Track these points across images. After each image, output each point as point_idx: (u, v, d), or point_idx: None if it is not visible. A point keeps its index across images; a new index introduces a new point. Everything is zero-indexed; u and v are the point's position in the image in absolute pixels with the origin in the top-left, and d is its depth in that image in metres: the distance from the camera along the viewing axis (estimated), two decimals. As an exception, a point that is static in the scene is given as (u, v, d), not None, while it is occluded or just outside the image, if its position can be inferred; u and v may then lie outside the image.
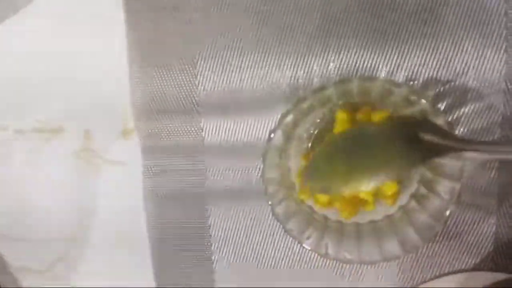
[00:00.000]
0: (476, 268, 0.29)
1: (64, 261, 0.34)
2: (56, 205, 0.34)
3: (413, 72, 0.27)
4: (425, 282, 0.29)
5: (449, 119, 0.27)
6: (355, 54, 0.28)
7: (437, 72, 0.27)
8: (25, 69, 0.32)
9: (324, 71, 0.28)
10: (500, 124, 0.27)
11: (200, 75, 0.30)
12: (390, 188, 0.26)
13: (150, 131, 0.31)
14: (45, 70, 0.32)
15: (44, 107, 0.32)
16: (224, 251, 0.32)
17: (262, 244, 0.31)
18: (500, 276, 0.27)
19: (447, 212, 0.25)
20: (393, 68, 0.28)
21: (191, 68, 0.30)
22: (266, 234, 0.31)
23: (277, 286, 0.31)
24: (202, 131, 0.31)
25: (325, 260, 0.30)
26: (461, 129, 0.28)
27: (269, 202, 0.27)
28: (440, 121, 0.24)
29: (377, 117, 0.26)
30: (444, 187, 0.25)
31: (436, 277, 0.29)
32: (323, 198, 0.27)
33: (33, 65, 0.32)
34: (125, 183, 0.32)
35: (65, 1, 0.31)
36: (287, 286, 0.31)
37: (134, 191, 0.32)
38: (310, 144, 0.28)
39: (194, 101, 0.30)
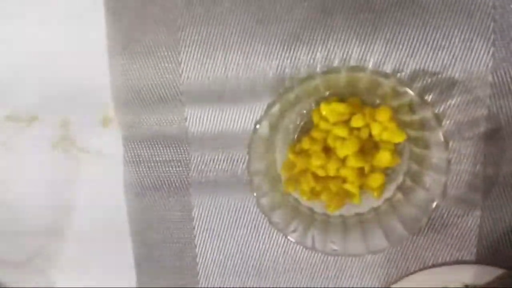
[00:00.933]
0: (460, 261, 0.29)
1: (43, 254, 0.33)
2: (34, 197, 0.33)
3: (400, 63, 0.27)
4: (409, 274, 0.29)
5: (436, 111, 0.27)
6: (342, 44, 0.27)
7: (425, 63, 0.27)
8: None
9: (311, 61, 0.28)
10: (486, 117, 0.27)
11: (184, 63, 0.29)
12: (376, 180, 0.26)
13: (131, 120, 0.30)
14: (20, 56, 0.31)
15: (19, 95, 0.31)
16: (208, 243, 0.31)
17: (246, 236, 0.31)
18: (484, 268, 0.27)
19: (433, 205, 0.25)
20: (381, 59, 0.27)
21: (174, 56, 0.29)
22: (251, 227, 0.31)
23: (262, 279, 0.31)
24: (186, 121, 0.30)
25: (310, 252, 0.30)
26: (447, 122, 0.27)
27: (254, 194, 0.26)
28: (427, 113, 0.24)
29: (381, 116, 0.25)
30: (430, 179, 0.25)
31: (421, 269, 0.29)
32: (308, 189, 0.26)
33: (8, 51, 0.31)
34: (105, 173, 0.31)
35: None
36: (271, 278, 0.31)
37: (114, 182, 0.31)
38: (296, 136, 0.27)
39: (177, 89, 0.30)
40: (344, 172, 0.26)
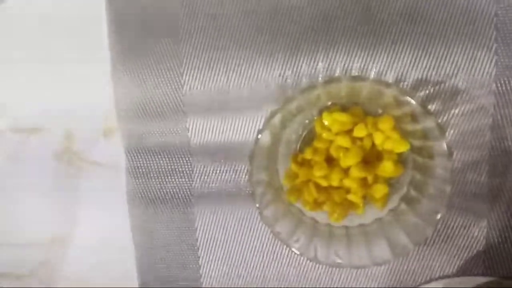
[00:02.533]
0: (467, 272, 0.28)
1: (46, 265, 0.33)
2: (37, 208, 0.33)
3: (403, 72, 0.27)
4: (416, 286, 0.29)
5: (439, 121, 0.27)
6: (344, 54, 0.27)
7: (427, 73, 0.27)
8: (3, 67, 0.31)
9: (313, 71, 0.28)
10: (490, 126, 0.27)
11: (186, 74, 0.29)
12: (379, 190, 0.26)
13: (133, 131, 0.30)
14: (24, 67, 0.31)
15: (22, 107, 0.31)
16: (211, 254, 0.31)
17: (250, 247, 0.31)
18: (491, 279, 0.27)
19: (438, 215, 0.24)
20: (383, 69, 0.27)
21: (176, 67, 0.29)
22: (254, 237, 0.30)
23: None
24: (188, 132, 0.30)
25: (314, 264, 0.30)
26: (452, 131, 0.27)
27: (257, 205, 0.26)
28: (430, 122, 0.24)
29: (384, 125, 0.25)
30: (434, 189, 0.25)
31: (427, 281, 0.29)
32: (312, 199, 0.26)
33: (12, 61, 0.31)
34: (108, 185, 0.31)
35: (48, 2, 0.30)
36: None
37: (117, 193, 0.31)
38: (298, 146, 0.27)
39: (179, 100, 0.30)
40: (347, 183, 0.26)
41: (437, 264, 0.29)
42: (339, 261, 0.26)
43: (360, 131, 0.25)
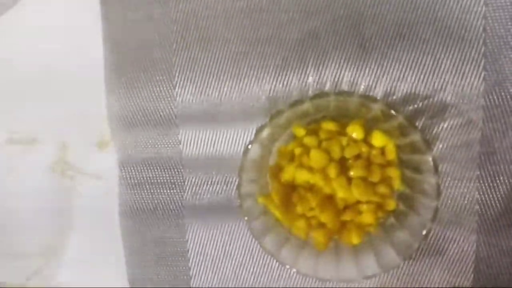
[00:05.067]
0: (456, 286, 0.28)
1: (40, 275, 0.33)
2: (31, 219, 0.33)
3: (391, 86, 0.27)
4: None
5: (428, 135, 0.27)
6: (334, 68, 0.28)
7: (416, 87, 0.27)
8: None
9: (303, 85, 0.28)
10: (479, 140, 0.27)
11: (179, 86, 0.30)
12: (368, 218, 0.25)
13: (127, 143, 0.31)
14: (19, 80, 0.31)
15: (18, 118, 0.32)
16: (202, 266, 0.31)
17: (241, 260, 0.31)
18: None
19: (425, 230, 0.24)
20: (372, 83, 0.27)
21: (169, 79, 0.30)
22: (245, 250, 0.30)
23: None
24: (180, 144, 0.30)
25: (304, 277, 0.30)
26: (440, 145, 0.27)
27: (245, 218, 0.26)
28: (416, 136, 0.24)
29: (377, 142, 0.25)
30: (422, 204, 0.25)
31: (416, 295, 0.29)
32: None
33: (7, 74, 0.32)
34: (101, 196, 0.32)
35: (40, 13, 0.30)
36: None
37: (110, 205, 0.32)
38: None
39: (172, 112, 0.30)
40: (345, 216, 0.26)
41: (426, 279, 0.29)
42: (328, 275, 0.26)
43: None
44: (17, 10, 0.31)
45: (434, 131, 0.27)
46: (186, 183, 0.31)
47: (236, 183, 0.30)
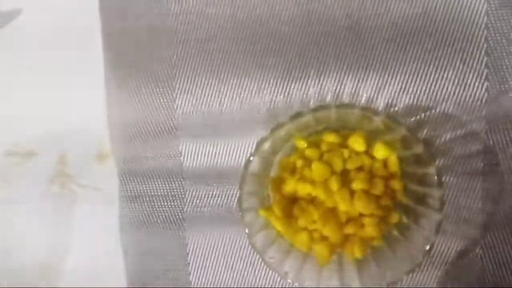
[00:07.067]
0: (461, 300, 0.28)
1: (39, 288, 0.33)
2: (30, 232, 0.33)
3: (393, 98, 0.27)
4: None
5: (431, 146, 0.27)
6: (335, 80, 0.27)
7: (418, 98, 0.27)
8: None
9: (304, 96, 0.28)
10: (482, 151, 0.27)
11: (179, 99, 0.29)
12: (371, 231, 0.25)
13: (127, 155, 0.31)
14: (18, 92, 0.31)
15: (17, 131, 0.32)
16: (203, 279, 0.31)
17: (242, 272, 0.30)
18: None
19: (428, 244, 0.24)
20: (374, 94, 0.27)
21: (169, 91, 0.29)
22: (246, 262, 0.30)
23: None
24: (181, 155, 0.30)
25: (306, 290, 0.29)
26: (443, 156, 0.27)
27: (246, 231, 0.26)
28: (418, 149, 0.24)
29: (380, 153, 0.25)
30: (426, 217, 0.25)
31: (420, 309, 0.28)
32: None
33: (5, 87, 0.31)
34: (101, 209, 0.31)
35: (40, 27, 0.30)
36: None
37: (110, 217, 0.31)
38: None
39: (172, 124, 0.30)
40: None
41: (431, 292, 0.28)
42: (331, 288, 0.25)
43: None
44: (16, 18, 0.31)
45: (437, 142, 0.27)
46: (186, 195, 0.30)
47: (237, 195, 0.29)
